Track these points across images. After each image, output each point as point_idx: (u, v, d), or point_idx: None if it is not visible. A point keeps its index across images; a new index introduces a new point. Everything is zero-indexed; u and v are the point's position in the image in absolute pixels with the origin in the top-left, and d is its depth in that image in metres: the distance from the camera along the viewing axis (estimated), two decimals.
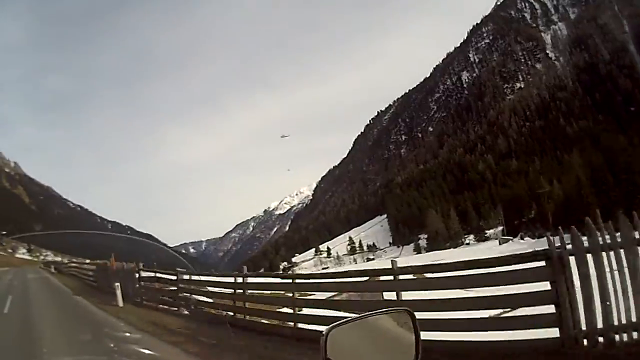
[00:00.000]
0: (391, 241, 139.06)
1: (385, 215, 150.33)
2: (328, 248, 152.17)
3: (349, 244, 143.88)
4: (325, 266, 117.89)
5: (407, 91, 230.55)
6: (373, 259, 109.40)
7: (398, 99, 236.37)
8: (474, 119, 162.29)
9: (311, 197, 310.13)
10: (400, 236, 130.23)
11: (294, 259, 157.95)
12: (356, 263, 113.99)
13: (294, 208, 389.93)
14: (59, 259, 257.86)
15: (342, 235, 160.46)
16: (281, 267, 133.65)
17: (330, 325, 0.98)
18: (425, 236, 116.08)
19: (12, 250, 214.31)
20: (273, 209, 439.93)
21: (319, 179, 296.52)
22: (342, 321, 1.02)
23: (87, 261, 29.46)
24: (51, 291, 21.63)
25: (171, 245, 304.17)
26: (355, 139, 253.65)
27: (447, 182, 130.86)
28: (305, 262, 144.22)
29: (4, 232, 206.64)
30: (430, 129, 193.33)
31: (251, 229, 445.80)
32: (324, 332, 0.97)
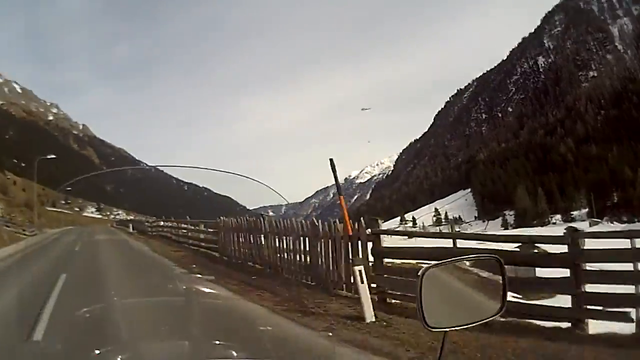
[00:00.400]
0: (476, 215, 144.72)
1: (469, 190, 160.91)
2: (413, 217, 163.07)
3: (434, 215, 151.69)
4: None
5: (485, 72, 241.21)
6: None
7: (477, 78, 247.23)
8: (552, 103, 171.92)
9: (392, 168, 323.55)
10: (486, 211, 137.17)
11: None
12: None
13: (375, 178, 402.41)
14: (131, 217, 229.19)
15: (426, 207, 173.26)
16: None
17: (426, 267, 1.05)
18: (511, 212, 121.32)
19: (79, 209, 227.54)
20: (354, 178, 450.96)
21: (400, 151, 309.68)
22: (436, 263, 1.09)
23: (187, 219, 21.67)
24: (143, 267, 12.55)
25: (250, 208, 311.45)
26: (436, 115, 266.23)
27: (530, 161, 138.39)
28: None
29: (69, 188, 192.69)
30: (510, 109, 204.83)
31: (331, 195, 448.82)
32: (419, 273, 1.04)
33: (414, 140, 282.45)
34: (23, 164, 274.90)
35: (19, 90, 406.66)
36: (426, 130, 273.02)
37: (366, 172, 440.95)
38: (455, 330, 1.05)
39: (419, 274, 1.02)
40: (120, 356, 1.40)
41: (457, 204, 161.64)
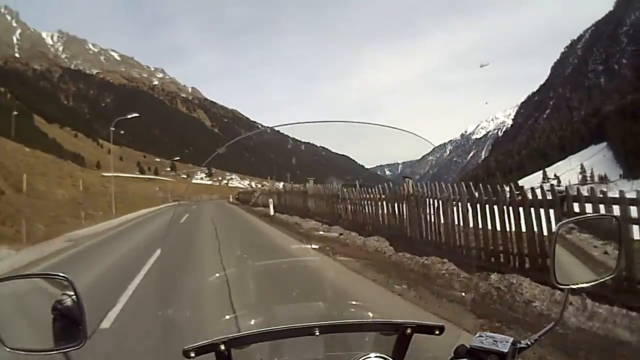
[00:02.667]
0: (622, 173, 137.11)
1: (604, 144, 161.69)
2: (555, 175, 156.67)
3: (580, 173, 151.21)
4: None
5: (595, 22, 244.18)
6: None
7: (587, 29, 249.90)
8: None
9: (509, 124, 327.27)
10: (631, 168, 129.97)
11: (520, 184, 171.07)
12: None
13: (490, 133, 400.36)
14: (246, 182, 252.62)
15: (561, 162, 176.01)
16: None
17: (561, 222, 1.12)
18: None
19: (187, 176, 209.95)
20: (470, 133, 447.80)
21: (518, 104, 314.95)
22: (571, 219, 1.17)
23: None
24: None
25: (367, 167, 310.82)
26: (552, 67, 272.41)
27: None
28: (538, 190, 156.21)
29: (177, 158, 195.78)
30: (624, 61, 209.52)
31: (448, 152, 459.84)
32: (555, 229, 1.11)
33: (532, 93, 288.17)
34: (122, 132, 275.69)
35: (118, 58, 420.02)
36: (542, 82, 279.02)
37: (482, 128, 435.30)
38: (580, 288, 1.14)
39: (554, 230, 1.12)
40: (253, 319, 1.54)
41: (596, 159, 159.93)
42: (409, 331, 1.06)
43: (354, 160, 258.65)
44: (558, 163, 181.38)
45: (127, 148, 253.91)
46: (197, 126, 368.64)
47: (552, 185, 7.10)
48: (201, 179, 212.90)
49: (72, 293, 0.96)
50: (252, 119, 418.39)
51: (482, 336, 0.98)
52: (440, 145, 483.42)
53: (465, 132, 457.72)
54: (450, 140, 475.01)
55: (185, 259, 8.20)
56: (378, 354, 0.96)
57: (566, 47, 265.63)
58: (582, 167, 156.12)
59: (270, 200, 21.13)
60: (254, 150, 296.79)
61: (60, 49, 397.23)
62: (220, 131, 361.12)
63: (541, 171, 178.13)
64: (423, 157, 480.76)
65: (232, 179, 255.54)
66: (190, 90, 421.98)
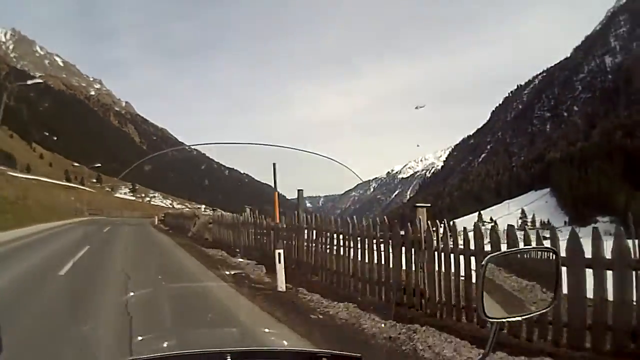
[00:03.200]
0: (567, 220, 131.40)
1: (547, 190, 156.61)
2: (491, 218, 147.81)
3: (520, 218, 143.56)
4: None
5: (547, 68, 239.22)
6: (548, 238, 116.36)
7: (539, 75, 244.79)
8: (624, 104, 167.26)
9: (439, 165, 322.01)
10: (579, 216, 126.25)
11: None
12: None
13: (417, 173, 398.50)
14: (168, 202, 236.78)
15: (498, 206, 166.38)
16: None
17: (489, 256, 1.09)
18: (605, 219, 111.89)
19: (110, 190, 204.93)
20: (396, 172, 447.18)
21: (450, 146, 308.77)
22: (498, 253, 1.14)
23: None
24: None
25: (289, 198, 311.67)
26: (493, 111, 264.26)
27: (614, 164, 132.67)
28: (470, 233, 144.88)
29: (98, 165, 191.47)
30: (576, 108, 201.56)
31: (372, 189, 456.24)
32: (483, 263, 1.08)
33: (467, 136, 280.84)
34: (55, 138, 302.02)
35: (61, 64, 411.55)
36: (480, 126, 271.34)
37: (409, 167, 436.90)
38: (511, 321, 1.12)
39: (482, 263, 1.06)
40: (166, 342, 1.24)
41: (537, 205, 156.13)
42: None
43: (276, 190, 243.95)
44: (493, 207, 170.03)
45: (58, 155, 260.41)
46: (126, 141, 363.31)
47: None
48: (125, 193, 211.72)
49: None
50: (180, 140, 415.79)
51: None
52: (364, 181, 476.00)
53: (392, 170, 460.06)
54: (376, 178, 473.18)
55: None
56: None
57: (511, 92, 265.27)
58: (522, 211, 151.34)
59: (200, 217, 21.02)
60: (178, 171, 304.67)
61: (11, 47, 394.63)
62: (148, 148, 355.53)
63: (475, 214, 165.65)
64: (346, 192, 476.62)
65: (154, 197, 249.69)
66: (124, 104, 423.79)
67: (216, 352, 1.06)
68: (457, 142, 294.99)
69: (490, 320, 1.04)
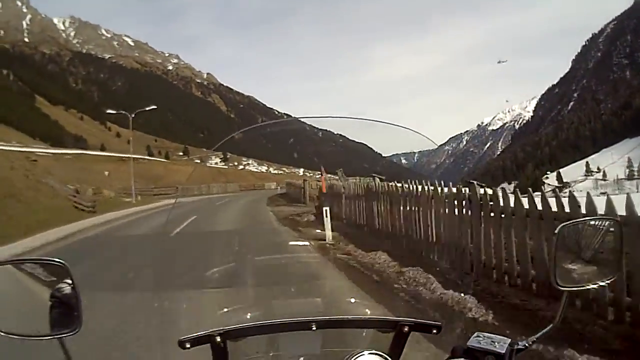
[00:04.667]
0: None
1: None
2: (598, 168, 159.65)
3: (627, 167, 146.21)
4: (604, 191, 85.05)
5: (617, 16, 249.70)
6: None
7: (608, 23, 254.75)
8: None
9: (530, 115, 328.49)
10: None
11: (558, 178, 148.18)
12: None
13: (507, 125, 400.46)
14: (264, 168, 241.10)
15: (597, 155, 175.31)
16: (547, 187, 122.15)
17: (562, 224, 1.11)
18: None
19: (200, 161, 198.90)
20: (486, 125, 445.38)
21: (536, 97, 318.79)
22: (571, 221, 1.16)
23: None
24: None
25: (384, 155, 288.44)
26: (574, 59, 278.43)
27: None
28: (580, 184, 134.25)
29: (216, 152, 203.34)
30: None
31: (464, 142, 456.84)
32: (556, 231, 1.09)
33: (552, 86, 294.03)
34: (133, 115, 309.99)
35: (131, 43, 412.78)
36: (563, 75, 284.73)
37: (498, 119, 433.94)
38: (580, 290, 1.14)
39: (555, 231, 1.09)
40: (250, 313, 1.39)
41: (637, 152, 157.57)
42: (406, 329, 1.07)
43: (371, 148, 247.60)
44: (593, 156, 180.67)
45: (137, 132, 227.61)
46: (212, 111, 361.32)
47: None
48: (216, 163, 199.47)
49: (69, 279, 0.82)
50: (268, 105, 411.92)
51: (479, 336, 0.89)
52: (456, 135, 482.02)
53: (482, 123, 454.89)
54: (467, 131, 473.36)
55: None
56: (373, 351, 0.86)
57: (587, 40, 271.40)
58: (629, 160, 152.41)
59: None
60: (270, 137, 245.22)
61: (72, 34, 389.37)
62: (236, 116, 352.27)
63: (578, 163, 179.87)
64: (439, 146, 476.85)
65: (248, 163, 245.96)
66: (205, 75, 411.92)
67: (302, 321, 1.10)
68: (543, 92, 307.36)
69: (562, 288, 1.07)
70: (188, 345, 0.98)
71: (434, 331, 1.08)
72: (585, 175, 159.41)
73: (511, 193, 5.75)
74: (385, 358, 0.95)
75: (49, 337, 0.94)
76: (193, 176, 78.06)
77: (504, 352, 0.93)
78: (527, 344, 0.95)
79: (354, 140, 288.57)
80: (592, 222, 1.23)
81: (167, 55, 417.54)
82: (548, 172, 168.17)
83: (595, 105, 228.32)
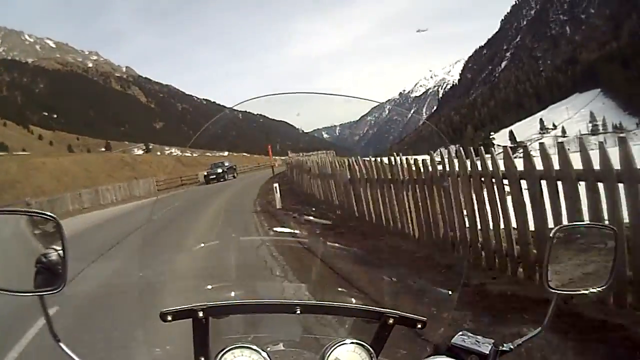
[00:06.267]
0: (638, 122, 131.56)
1: (598, 91, 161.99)
2: (554, 124, 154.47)
3: (590, 122, 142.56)
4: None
5: None
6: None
7: None
8: None
9: (456, 78, 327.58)
10: None
11: (511, 138, 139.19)
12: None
13: (430, 90, 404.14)
14: (187, 154, 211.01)
15: (547, 112, 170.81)
16: (497, 148, 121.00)
17: (559, 226, 1.09)
18: None
19: (123, 152, 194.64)
20: (408, 92, 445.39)
21: (459, 60, 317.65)
22: (568, 224, 1.18)
23: None
24: None
25: (307, 131, 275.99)
26: (502, 20, 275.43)
27: None
28: (535, 143, 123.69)
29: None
30: (592, 10, 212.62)
31: (387, 112, 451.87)
32: (552, 233, 1.06)
33: (479, 47, 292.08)
34: (55, 116, 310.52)
35: (53, 45, 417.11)
36: (491, 36, 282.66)
37: (420, 86, 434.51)
38: (569, 294, 1.12)
39: (551, 234, 1.06)
40: (234, 291, 1.52)
41: (593, 107, 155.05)
42: (390, 321, 1.03)
43: (292, 126, 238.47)
44: (541, 113, 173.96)
45: (60, 132, 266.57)
46: (132, 103, 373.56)
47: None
48: (140, 155, 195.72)
49: (58, 235, 0.91)
50: (187, 93, 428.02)
51: (464, 335, 0.96)
52: (378, 105, 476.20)
53: (404, 91, 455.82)
54: (389, 100, 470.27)
55: None
56: (356, 341, 0.94)
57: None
58: (591, 115, 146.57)
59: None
60: (191, 123, 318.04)
61: None
62: (156, 106, 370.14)
63: (527, 120, 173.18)
64: (361, 117, 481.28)
65: (171, 152, 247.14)
66: (124, 69, 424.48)
67: (287, 303, 1.09)
68: (470, 55, 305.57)
69: (553, 291, 1.05)
70: (169, 318, 0.95)
71: (419, 326, 1.06)
72: (541, 132, 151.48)
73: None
74: (367, 348, 0.93)
75: (30, 294, 0.90)
76: (79, 174, 52.75)
77: (487, 352, 0.91)
78: (512, 347, 0.94)
79: (274, 119, 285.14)
80: (589, 228, 1.23)
81: (87, 53, 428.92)
82: (492, 133, 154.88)
83: (533, 62, 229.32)
